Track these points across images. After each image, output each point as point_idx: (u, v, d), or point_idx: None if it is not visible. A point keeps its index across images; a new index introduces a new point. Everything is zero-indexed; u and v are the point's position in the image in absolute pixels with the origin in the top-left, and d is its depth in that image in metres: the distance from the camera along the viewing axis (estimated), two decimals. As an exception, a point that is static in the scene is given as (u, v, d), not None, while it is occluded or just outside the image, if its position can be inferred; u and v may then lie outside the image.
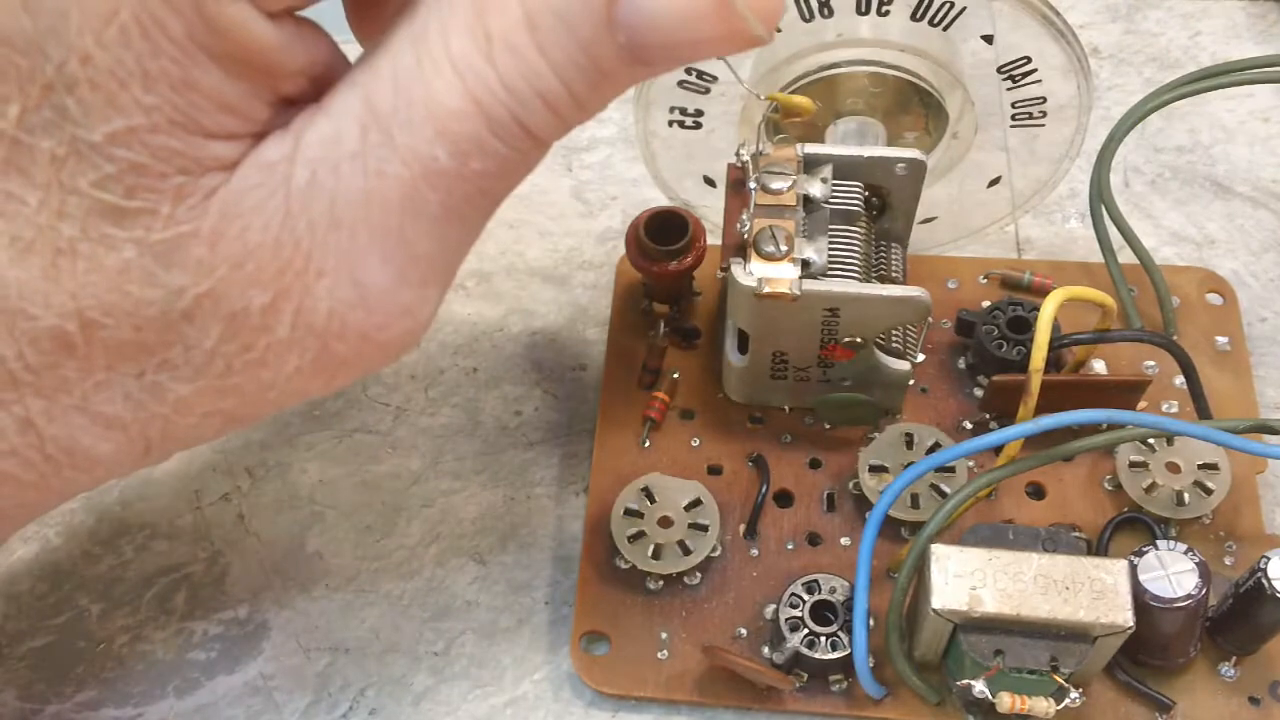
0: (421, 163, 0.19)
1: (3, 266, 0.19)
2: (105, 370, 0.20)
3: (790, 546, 0.30)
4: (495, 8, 0.18)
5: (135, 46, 0.17)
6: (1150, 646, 0.27)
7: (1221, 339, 0.32)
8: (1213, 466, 0.29)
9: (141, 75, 0.18)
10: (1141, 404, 0.31)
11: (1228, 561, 0.29)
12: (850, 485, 0.30)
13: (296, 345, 0.20)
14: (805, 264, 0.27)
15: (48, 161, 0.18)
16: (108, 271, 0.19)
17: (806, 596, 0.28)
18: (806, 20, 0.29)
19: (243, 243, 0.19)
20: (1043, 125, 0.31)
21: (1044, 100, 0.30)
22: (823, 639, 0.27)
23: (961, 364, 0.32)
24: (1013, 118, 0.31)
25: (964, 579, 0.24)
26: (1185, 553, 0.26)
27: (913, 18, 0.28)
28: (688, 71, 0.29)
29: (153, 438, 0.21)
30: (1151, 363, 0.32)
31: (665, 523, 0.29)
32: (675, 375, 0.32)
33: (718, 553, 0.29)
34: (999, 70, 0.30)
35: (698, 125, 0.31)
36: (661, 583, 0.29)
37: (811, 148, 0.28)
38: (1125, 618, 0.24)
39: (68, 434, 0.20)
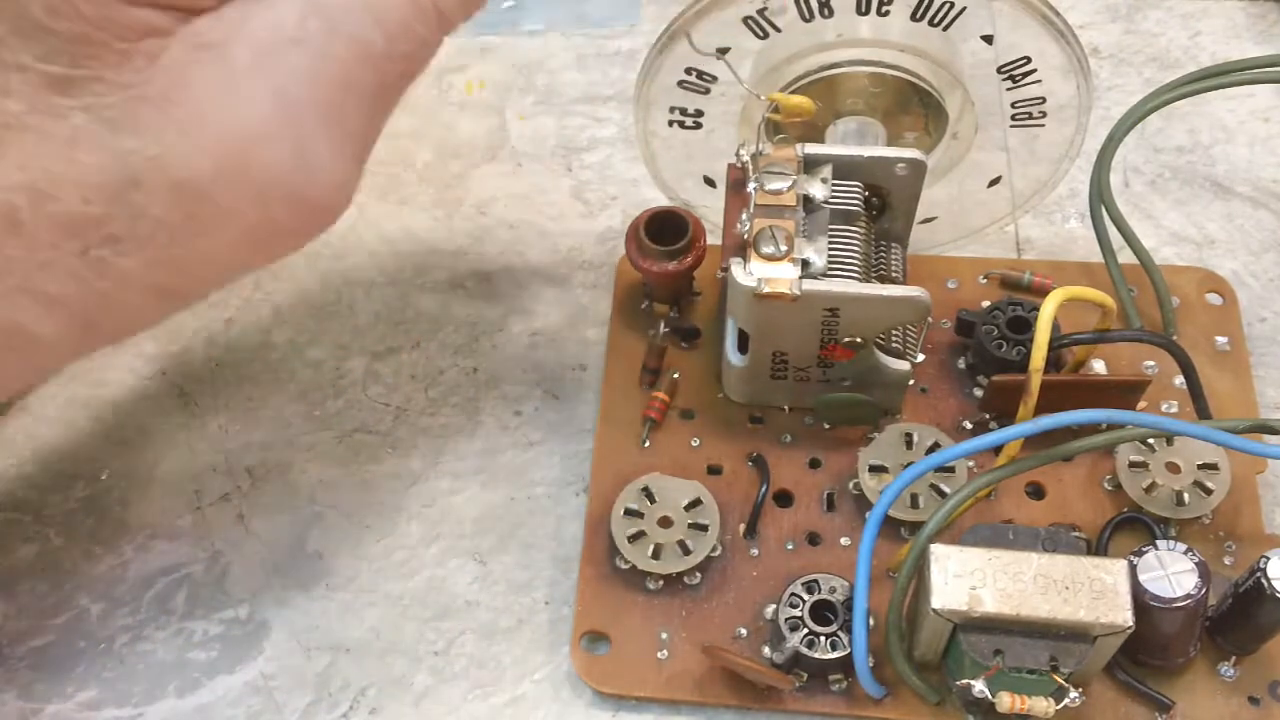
0: (361, 46, 0.21)
1: None
2: (50, 249, 0.20)
3: (790, 546, 0.30)
4: None
5: None
6: (1150, 646, 0.27)
7: (1221, 339, 0.32)
8: (1212, 466, 0.29)
9: None
10: (1141, 404, 0.31)
11: (1227, 561, 0.29)
12: (850, 485, 0.30)
13: (238, 213, 0.22)
14: (805, 264, 0.27)
15: None
16: (58, 141, 0.20)
17: (806, 596, 0.28)
18: (806, 20, 0.29)
19: (189, 111, 0.20)
20: (1043, 125, 0.31)
21: (1044, 100, 0.30)
22: (823, 639, 0.27)
23: (961, 364, 0.32)
24: (1013, 118, 0.31)
25: (964, 579, 0.24)
26: (1185, 553, 0.26)
27: (913, 18, 0.28)
28: (688, 71, 0.29)
29: (94, 318, 0.22)
30: (1151, 363, 0.32)
31: (665, 523, 0.29)
32: (675, 375, 0.32)
33: (718, 553, 0.29)
34: (999, 70, 0.30)
35: (698, 125, 0.31)
36: (661, 583, 0.29)
37: (811, 148, 0.28)
38: (1125, 618, 0.24)
39: (8, 317, 0.21)
